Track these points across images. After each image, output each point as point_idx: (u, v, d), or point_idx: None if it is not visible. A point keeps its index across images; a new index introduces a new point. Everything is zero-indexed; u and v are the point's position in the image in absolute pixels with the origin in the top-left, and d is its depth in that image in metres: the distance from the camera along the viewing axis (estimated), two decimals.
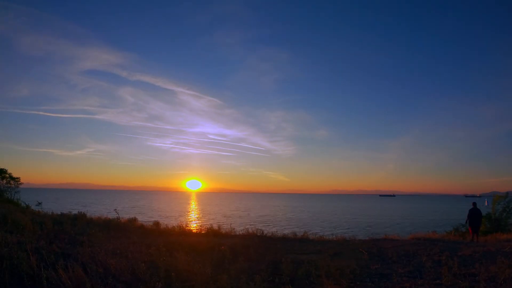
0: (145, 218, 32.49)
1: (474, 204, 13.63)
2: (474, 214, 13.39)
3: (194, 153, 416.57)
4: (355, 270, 6.82)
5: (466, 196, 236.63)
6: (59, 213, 16.53)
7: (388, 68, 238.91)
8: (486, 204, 27.65)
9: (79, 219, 13.92)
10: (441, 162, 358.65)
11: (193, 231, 15.07)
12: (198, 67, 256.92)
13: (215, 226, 14.66)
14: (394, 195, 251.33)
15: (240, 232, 14.09)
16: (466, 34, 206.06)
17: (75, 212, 17.02)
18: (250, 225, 23.78)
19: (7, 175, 21.04)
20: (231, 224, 18.47)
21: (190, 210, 61.84)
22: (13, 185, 21.05)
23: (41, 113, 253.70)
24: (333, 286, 5.52)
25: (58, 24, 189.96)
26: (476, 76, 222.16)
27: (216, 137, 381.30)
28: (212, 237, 11.92)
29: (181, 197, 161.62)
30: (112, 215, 16.29)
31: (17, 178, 21.36)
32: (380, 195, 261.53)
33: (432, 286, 5.74)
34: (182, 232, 13.27)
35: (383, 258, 8.50)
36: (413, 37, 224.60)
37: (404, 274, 6.65)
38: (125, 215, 18.23)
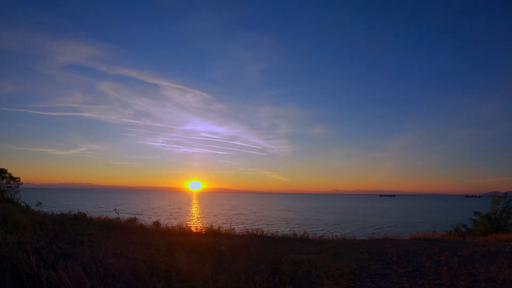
0: (146, 218, 32.52)
1: None
2: None
3: (188, 152, 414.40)
4: (355, 270, 6.82)
5: (466, 196, 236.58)
6: (59, 213, 16.54)
7: (387, 64, 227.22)
8: None
9: (79, 219, 13.92)
10: (441, 162, 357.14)
11: (193, 231, 15.08)
12: (177, 58, 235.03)
13: (215, 226, 14.67)
14: (394, 195, 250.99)
15: (240, 232, 14.11)
16: (468, 31, 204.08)
17: (75, 212, 17.03)
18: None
19: (7, 175, 21.05)
20: (231, 224, 18.46)
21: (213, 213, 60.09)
22: (13, 185, 21.06)
23: (29, 111, 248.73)
24: (333, 286, 5.51)
25: (31, 14, 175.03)
26: (477, 74, 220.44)
27: (208, 135, 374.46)
28: (212, 237, 11.92)
29: (185, 197, 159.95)
30: (112, 215, 16.30)
31: (17, 178, 21.38)
32: (380, 195, 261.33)
33: (432, 286, 5.74)
34: (182, 232, 13.27)
35: (383, 258, 8.49)
36: (415, 32, 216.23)
37: (404, 274, 6.65)
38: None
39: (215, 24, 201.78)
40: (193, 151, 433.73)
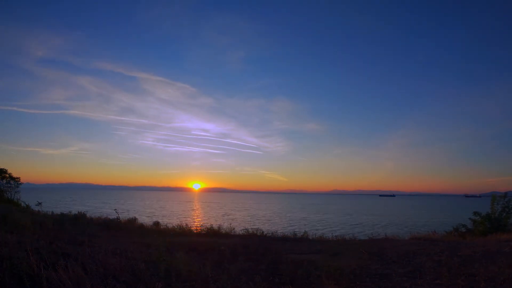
0: (146, 218, 32.52)
1: None
2: None
3: (180, 150, 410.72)
4: (355, 270, 6.82)
5: (466, 196, 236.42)
6: (59, 213, 16.56)
7: (386, 57, 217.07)
8: None
9: (79, 219, 13.94)
10: (442, 161, 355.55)
11: (194, 231, 15.08)
12: (150, 46, 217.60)
13: (215, 226, 14.68)
14: (394, 195, 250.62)
15: (240, 232, 14.11)
16: (470, 27, 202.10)
17: (75, 212, 17.04)
18: None
19: (7, 175, 21.05)
20: (231, 224, 18.48)
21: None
22: (13, 185, 21.07)
23: (15, 108, 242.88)
24: (333, 286, 5.51)
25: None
26: (478, 71, 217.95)
27: (198, 132, 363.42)
28: (212, 237, 11.93)
29: (188, 197, 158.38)
30: (112, 215, 16.31)
31: (17, 178, 21.38)
32: (380, 195, 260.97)
33: (432, 286, 5.74)
34: (182, 232, 13.28)
35: (383, 258, 8.49)
36: (415, 27, 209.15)
37: (404, 274, 6.65)
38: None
39: (184, 5, 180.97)
40: (185, 149, 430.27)
